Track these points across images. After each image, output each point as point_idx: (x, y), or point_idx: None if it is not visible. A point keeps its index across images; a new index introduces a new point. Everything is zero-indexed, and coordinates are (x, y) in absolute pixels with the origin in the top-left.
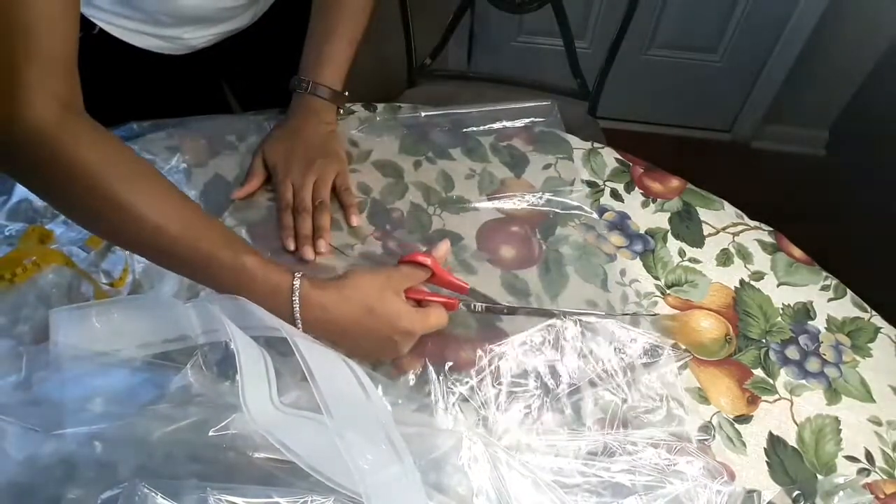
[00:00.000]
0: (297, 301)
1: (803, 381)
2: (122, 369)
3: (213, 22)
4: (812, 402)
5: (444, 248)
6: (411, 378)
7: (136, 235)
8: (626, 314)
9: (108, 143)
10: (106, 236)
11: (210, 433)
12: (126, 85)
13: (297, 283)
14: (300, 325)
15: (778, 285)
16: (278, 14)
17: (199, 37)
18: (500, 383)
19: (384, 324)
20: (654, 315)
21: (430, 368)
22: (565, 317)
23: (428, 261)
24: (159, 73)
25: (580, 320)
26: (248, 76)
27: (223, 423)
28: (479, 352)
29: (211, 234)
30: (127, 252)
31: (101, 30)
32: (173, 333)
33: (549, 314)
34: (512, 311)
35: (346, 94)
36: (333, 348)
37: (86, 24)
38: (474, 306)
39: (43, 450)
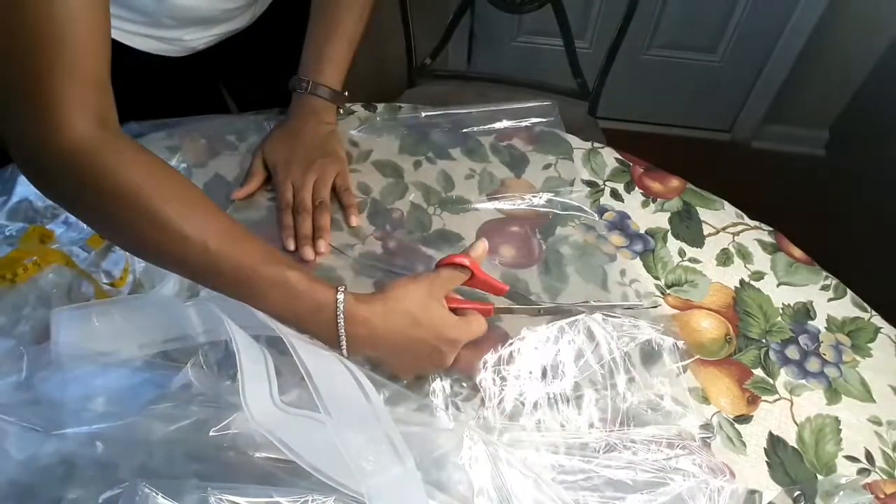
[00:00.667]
0: (342, 317)
1: (803, 381)
2: (122, 369)
3: (213, 23)
4: (812, 402)
5: (481, 247)
6: (411, 378)
7: (180, 254)
8: (641, 306)
9: (148, 160)
10: (149, 256)
11: (211, 433)
12: (124, 86)
13: (340, 297)
14: (344, 343)
15: (778, 285)
16: (277, 14)
17: (198, 38)
18: (500, 382)
19: (430, 334)
20: (658, 305)
21: None
22: (593, 312)
23: (466, 262)
24: (158, 75)
25: (580, 319)
26: (246, 77)
27: (224, 423)
28: (480, 351)
29: (253, 251)
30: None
31: None
32: (174, 333)
33: (585, 310)
34: (550, 311)
35: (346, 94)
36: (378, 365)
37: None
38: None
39: (44, 450)
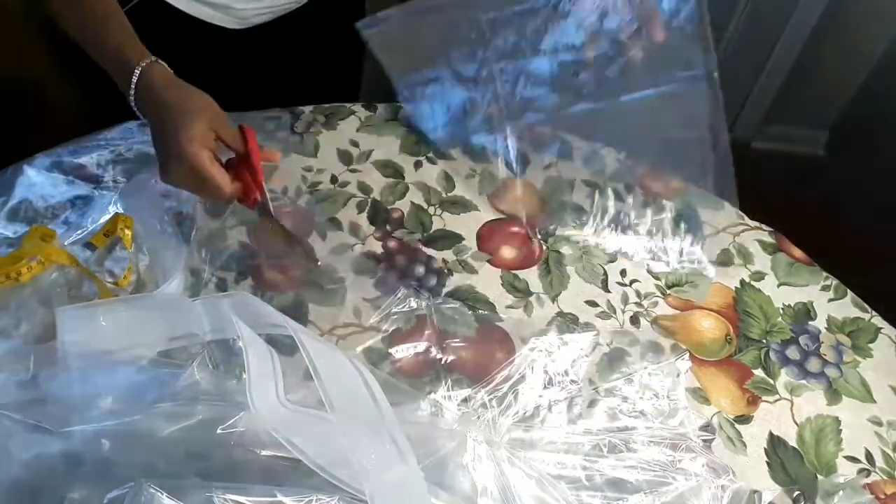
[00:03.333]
0: (139, 72)
1: (804, 382)
2: (129, 368)
3: None
4: (812, 402)
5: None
6: (415, 377)
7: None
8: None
9: None
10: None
11: (218, 431)
12: (180, 56)
13: (147, 61)
14: (132, 94)
15: (778, 285)
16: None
17: (248, 7)
18: (503, 382)
19: (182, 141)
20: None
21: (434, 367)
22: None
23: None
24: (212, 47)
25: (576, 319)
26: (299, 67)
27: (231, 421)
28: (482, 351)
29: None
30: (131, 251)
31: None
32: (180, 331)
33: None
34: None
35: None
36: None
37: None
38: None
39: (50, 448)
